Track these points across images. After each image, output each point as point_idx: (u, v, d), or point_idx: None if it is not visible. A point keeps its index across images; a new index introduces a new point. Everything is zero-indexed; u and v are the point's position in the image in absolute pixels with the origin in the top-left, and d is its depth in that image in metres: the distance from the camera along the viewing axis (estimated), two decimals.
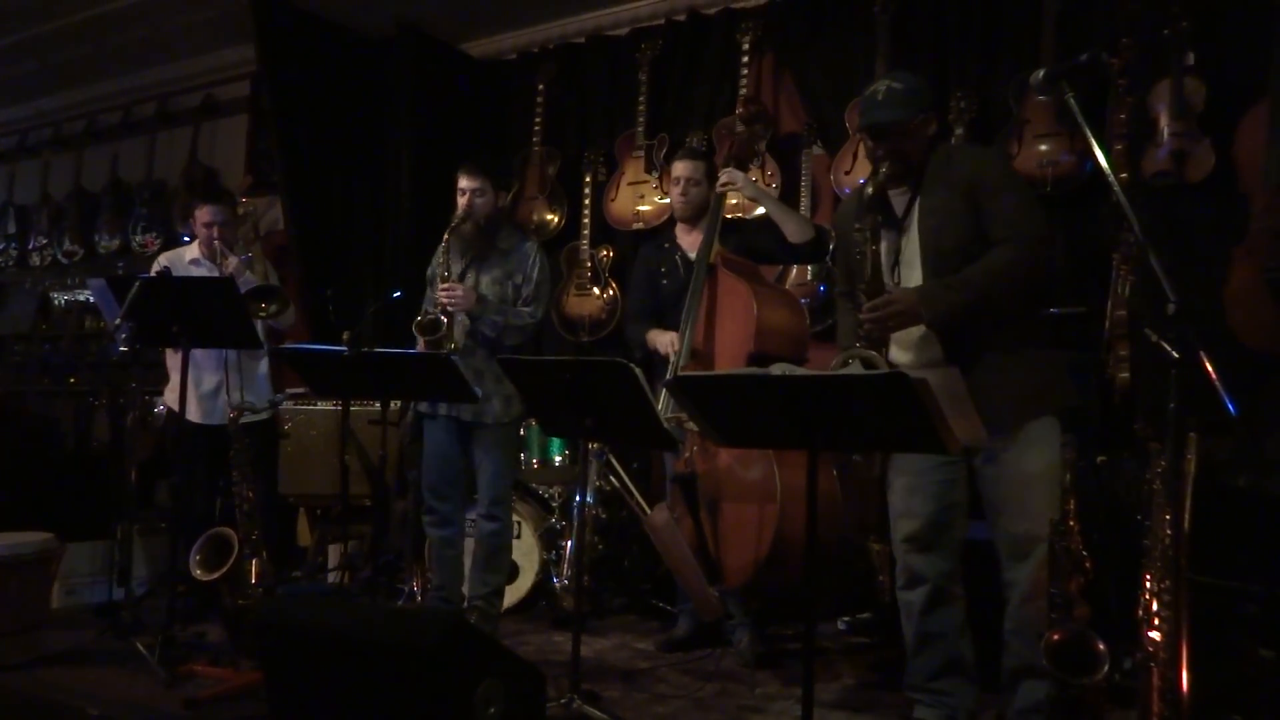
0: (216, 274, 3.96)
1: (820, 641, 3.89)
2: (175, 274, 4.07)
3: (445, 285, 3.65)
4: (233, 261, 3.97)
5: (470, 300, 3.66)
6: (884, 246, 2.74)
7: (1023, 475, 2.60)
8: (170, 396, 4.15)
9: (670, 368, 3.56)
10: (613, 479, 3.75)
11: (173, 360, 4.14)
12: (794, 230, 3.64)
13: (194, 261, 4.17)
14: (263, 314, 3.83)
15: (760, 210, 4.01)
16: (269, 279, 4.02)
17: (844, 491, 3.63)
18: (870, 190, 2.70)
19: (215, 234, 4.02)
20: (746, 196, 3.78)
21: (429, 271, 3.93)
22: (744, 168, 3.82)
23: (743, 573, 3.41)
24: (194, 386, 4.07)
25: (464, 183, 3.75)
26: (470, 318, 3.70)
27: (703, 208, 3.81)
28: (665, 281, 3.86)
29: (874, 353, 2.60)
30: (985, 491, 2.71)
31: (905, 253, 2.72)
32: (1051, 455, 2.56)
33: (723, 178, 3.71)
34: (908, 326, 2.62)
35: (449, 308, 3.63)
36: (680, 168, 3.84)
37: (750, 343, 3.51)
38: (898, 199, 2.75)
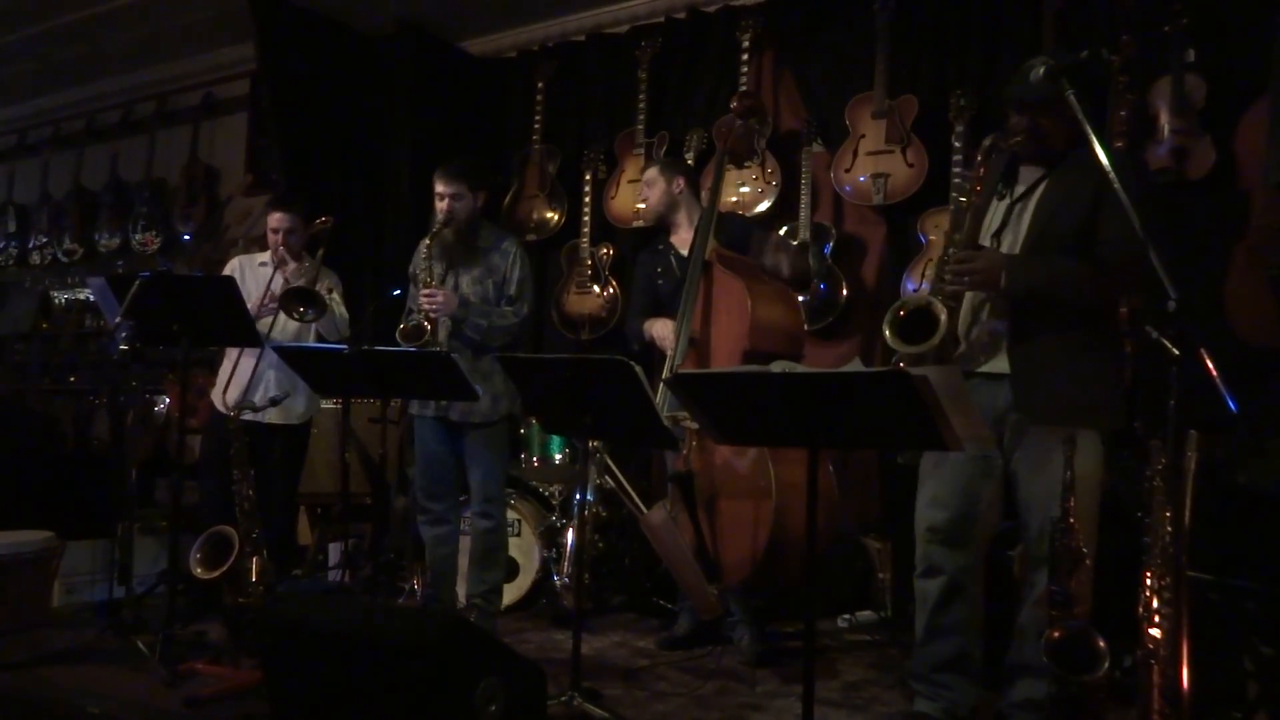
0: (280, 277, 4.01)
1: (820, 639, 3.89)
2: (245, 273, 4.18)
3: (427, 291, 3.66)
4: (291, 267, 4.01)
5: (452, 304, 3.67)
6: (996, 212, 2.74)
7: (1058, 483, 2.54)
8: (216, 393, 4.20)
9: (667, 364, 3.56)
10: (609, 478, 3.75)
11: (231, 354, 4.18)
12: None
13: (263, 264, 4.23)
14: (297, 316, 3.85)
15: (760, 208, 4.02)
16: (318, 286, 4.02)
17: (842, 489, 3.63)
18: (1002, 146, 2.67)
19: (281, 240, 4.05)
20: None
21: (410, 270, 3.96)
22: (741, 164, 3.82)
23: (740, 570, 3.41)
24: (238, 382, 4.07)
25: (441, 187, 3.75)
26: (454, 320, 3.71)
27: (662, 210, 3.87)
28: (661, 281, 3.87)
29: (933, 299, 2.57)
30: (1019, 492, 2.71)
31: (1012, 225, 2.71)
32: (1090, 468, 2.55)
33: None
34: (985, 289, 2.62)
35: (431, 313, 3.64)
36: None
37: (745, 340, 3.51)
38: (1027, 173, 2.74)
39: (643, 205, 3.89)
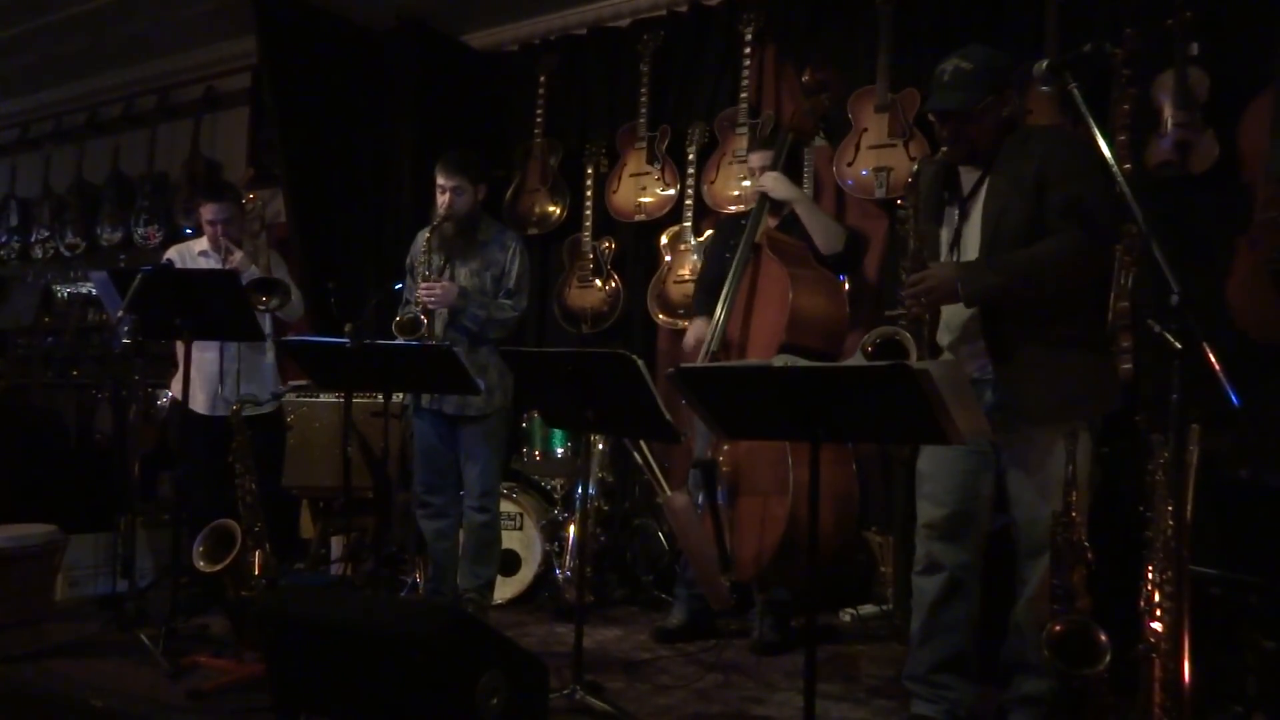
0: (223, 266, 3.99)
1: (823, 633, 3.89)
2: (186, 264, 4.12)
3: (425, 284, 3.66)
4: (238, 256, 4.00)
5: (451, 296, 3.68)
6: (946, 224, 2.73)
7: (1046, 477, 2.56)
8: (177, 387, 4.17)
9: (702, 351, 3.55)
10: (637, 455, 3.73)
11: (181, 351, 4.16)
12: (822, 242, 3.63)
13: (203, 254, 4.21)
14: (263, 307, 3.84)
15: None
16: (272, 272, 4.03)
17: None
18: (916, 169, 2.72)
19: (219, 231, 4.04)
20: (780, 199, 3.74)
21: (408, 260, 3.96)
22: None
23: (751, 565, 3.41)
24: (199, 378, 4.07)
25: (442, 180, 3.75)
26: (453, 312, 3.71)
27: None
28: (729, 255, 3.83)
29: (898, 329, 2.58)
30: (1009, 488, 2.70)
31: (966, 232, 2.68)
32: (1078, 462, 2.52)
33: (764, 181, 3.72)
34: (946, 303, 2.60)
35: (430, 305, 3.64)
36: (754, 159, 3.95)
37: (782, 334, 3.46)
38: (967, 176, 2.71)
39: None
